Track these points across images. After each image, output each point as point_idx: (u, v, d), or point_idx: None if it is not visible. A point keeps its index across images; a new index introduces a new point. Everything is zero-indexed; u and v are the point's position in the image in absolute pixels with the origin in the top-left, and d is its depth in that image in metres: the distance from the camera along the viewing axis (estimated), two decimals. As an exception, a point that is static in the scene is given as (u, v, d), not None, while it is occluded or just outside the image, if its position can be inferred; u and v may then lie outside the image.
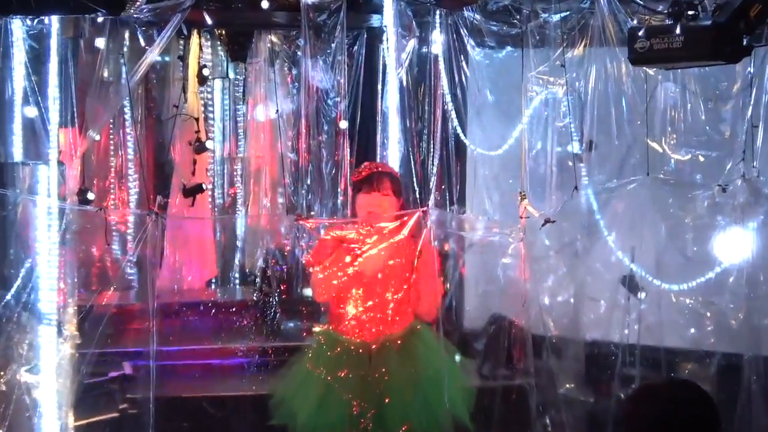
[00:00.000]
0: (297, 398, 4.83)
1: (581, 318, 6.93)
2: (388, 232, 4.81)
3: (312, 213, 8.12)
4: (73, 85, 5.65)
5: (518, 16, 7.01)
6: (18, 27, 5.34)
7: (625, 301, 6.69)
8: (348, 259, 4.72)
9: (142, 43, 6.36)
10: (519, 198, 5.47)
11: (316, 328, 5.21)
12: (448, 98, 7.78)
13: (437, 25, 7.70)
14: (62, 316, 5.41)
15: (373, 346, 4.79)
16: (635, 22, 5.62)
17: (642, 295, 6.66)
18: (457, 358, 7.34)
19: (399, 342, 4.85)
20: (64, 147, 5.61)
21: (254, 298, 8.09)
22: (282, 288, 7.97)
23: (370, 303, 4.78)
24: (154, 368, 5.07)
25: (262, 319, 7.65)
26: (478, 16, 7.48)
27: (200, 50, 8.62)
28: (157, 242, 5.07)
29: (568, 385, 6.67)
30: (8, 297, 5.27)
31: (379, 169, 4.93)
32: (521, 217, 5.36)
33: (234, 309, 7.95)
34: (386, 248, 4.77)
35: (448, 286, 7.33)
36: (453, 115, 7.79)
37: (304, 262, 4.92)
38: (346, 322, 4.80)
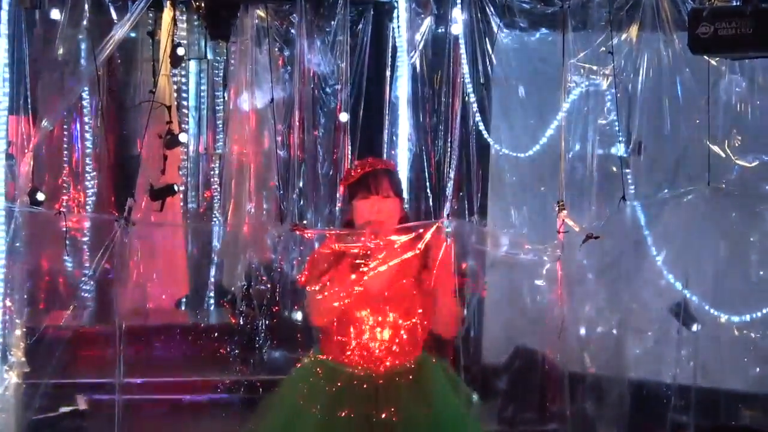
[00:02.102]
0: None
1: (625, 353, 6.95)
2: (400, 247, 4.82)
3: (305, 221, 8.15)
4: (27, 65, 5.68)
5: (556, -8, 7.06)
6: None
7: (677, 334, 6.71)
8: (353, 276, 4.73)
9: (113, 16, 6.39)
10: (557, 208, 5.50)
11: (307, 359, 5.19)
12: (469, 89, 7.78)
13: (458, 1, 7.73)
14: (8, 339, 5.43)
15: (380, 381, 4.79)
16: (697, 2, 5.66)
17: (697, 327, 6.68)
18: (474, 398, 7.39)
19: (411, 376, 4.85)
20: (14, 138, 5.64)
21: (237, 321, 8.10)
22: (268, 310, 7.99)
23: (378, 329, 4.79)
24: (119, 403, 5.09)
25: (245, 348, 7.67)
26: (507, -9, 7.54)
27: (174, 25, 8.61)
28: (126, 254, 5.09)
29: (608, 433, 6.71)
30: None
31: (374, 166, 4.94)
32: (559, 232, 5.38)
33: (210, 335, 7.97)
34: (397, 265, 4.79)
35: (465, 312, 7.35)
36: (475, 108, 7.80)
37: (297, 279, 4.91)
38: (348, 352, 4.80)
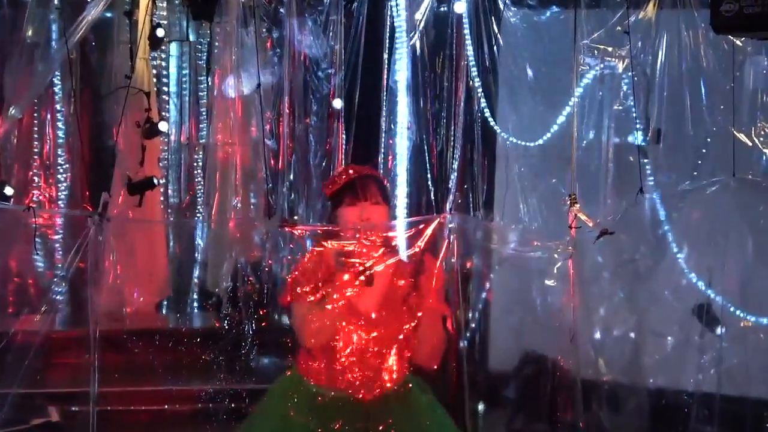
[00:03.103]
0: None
1: (643, 359, 6.96)
2: (398, 245, 4.82)
3: (295, 217, 8.15)
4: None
5: (568, -34, 7.08)
6: None
7: (700, 337, 6.72)
8: (346, 278, 4.72)
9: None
10: (567, 202, 5.49)
11: (286, 379, 5.16)
12: (474, 72, 7.80)
13: (461, -23, 7.76)
14: (-27, 346, 5.44)
15: (368, 398, 4.81)
16: (720, -23, 5.66)
17: (721, 330, 6.69)
18: (480, 407, 7.41)
19: (399, 391, 4.87)
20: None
21: (222, 325, 8.10)
22: (255, 313, 7.98)
23: (366, 353, 4.79)
24: (94, 414, 5.09)
25: (230, 354, 7.66)
26: (514, -35, 7.55)
27: (153, 5, 8.64)
28: (101, 253, 5.09)
29: (625, 445, 6.73)
30: None
31: (361, 172, 4.94)
32: (571, 227, 5.37)
33: (193, 340, 7.97)
34: (386, 286, 4.78)
35: (470, 314, 7.36)
36: (480, 94, 7.81)
37: (281, 297, 4.89)
38: (332, 375, 4.80)
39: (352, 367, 4.71)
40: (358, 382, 4.72)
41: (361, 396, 4.72)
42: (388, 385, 4.76)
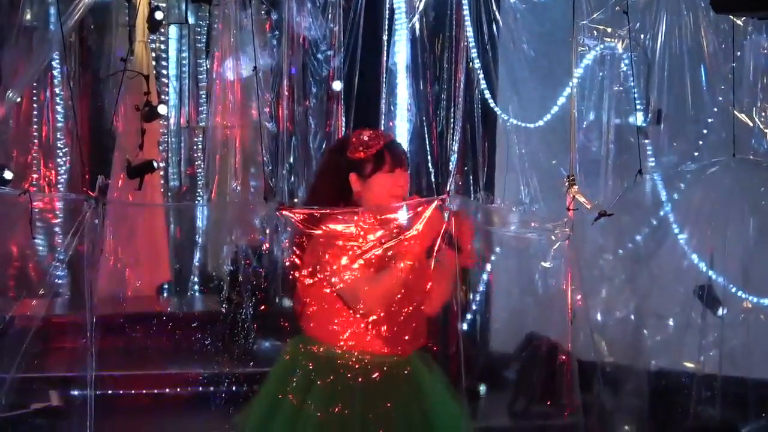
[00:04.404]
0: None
1: (644, 340, 6.95)
2: (397, 227, 4.80)
3: (295, 200, 8.14)
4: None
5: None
6: None
7: (701, 319, 6.71)
8: (345, 260, 4.70)
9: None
10: (566, 184, 5.47)
11: (292, 348, 5.13)
12: (474, 54, 7.78)
13: (461, -43, 7.73)
14: (-28, 330, 5.43)
15: (375, 375, 4.79)
16: (720, -45, 5.64)
17: (723, 311, 6.68)
18: (481, 389, 7.40)
19: (406, 371, 4.85)
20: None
21: (221, 309, 8.10)
22: (257, 297, 7.97)
23: (373, 317, 4.77)
24: (92, 399, 5.08)
25: (231, 338, 7.66)
26: (513, -55, 7.52)
27: (152, -13, 8.64)
28: (97, 237, 5.07)
29: (627, 427, 6.70)
30: None
31: (390, 137, 4.90)
32: (569, 209, 5.36)
33: (193, 324, 7.96)
34: (394, 247, 4.76)
35: (471, 296, 7.36)
36: (480, 75, 7.79)
37: (287, 264, 4.86)
38: (341, 342, 4.79)
39: (365, 331, 4.70)
40: (369, 352, 4.71)
41: (369, 367, 4.71)
42: (396, 353, 4.76)
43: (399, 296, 4.66)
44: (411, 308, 4.73)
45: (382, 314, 4.67)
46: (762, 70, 6.74)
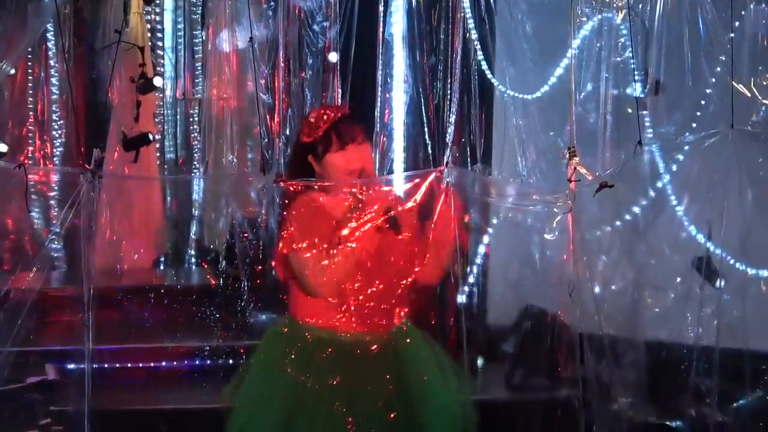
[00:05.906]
0: (274, 414, 4.79)
1: (642, 313, 6.94)
2: (394, 198, 4.79)
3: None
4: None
5: None
6: None
7: (700, 290, 6.68)
8: (345, 232, 4.68)
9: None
10: (566, 155, 5.44)
11: (283, 326, 5.09)
12: (471, 24, 7.73)
13: (457, -76, 7.68)
14: (-33, 304, 5.40)
15: (374, 347, 4.77)
16: None
17: (721, 283, 6.65)
18: (479, 362, 7.39)
19: (408, 341, 4.85)
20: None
21: (218, 282, 8.09)
22: (253, 270, 7.95)
23: (371, 289, 4.75)
24: (89, 372, 5.06)
25: (227, 310, 7.65)
26: None
27: (146, -42, 8.58)
28: (93, 209, 5.04)
29: (624, 399, 6.68)
30: None
31: (339, 112, 4.87)
32: (570, 181, 5.32)
33: (190, 297, 7.95)
34: (352, 227, 4.73)
35: (468, 269, 7.33)
36: (477, 46, 7.75)
37: (279, 247, 4.83)
38: (340, 315, 4.77)
39: (361, 305, 4.69)
40: (368, 324, 4.70)
41: (369, 339, 4.71)
42: (393, 325, 4.76)
43: (360, 276, 4.65)
44: (382, 285, 4.71)
45: (334, 294, 4.66)
46: (761, 40, 6.69)
